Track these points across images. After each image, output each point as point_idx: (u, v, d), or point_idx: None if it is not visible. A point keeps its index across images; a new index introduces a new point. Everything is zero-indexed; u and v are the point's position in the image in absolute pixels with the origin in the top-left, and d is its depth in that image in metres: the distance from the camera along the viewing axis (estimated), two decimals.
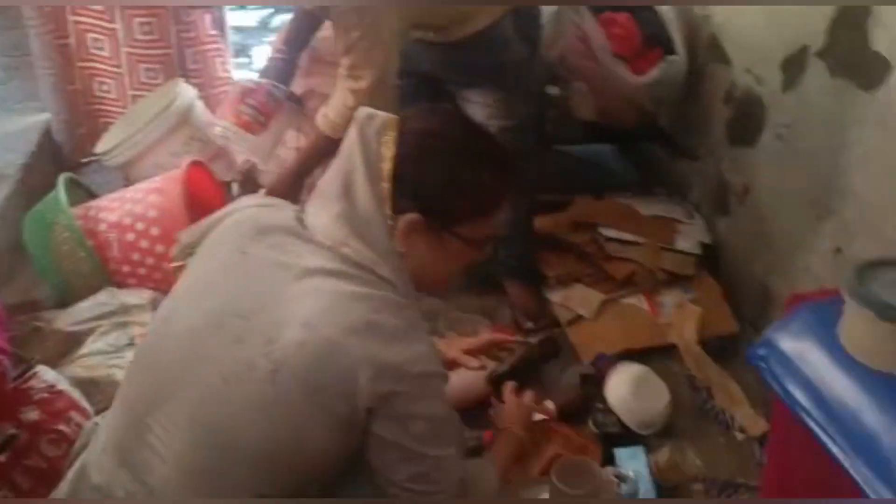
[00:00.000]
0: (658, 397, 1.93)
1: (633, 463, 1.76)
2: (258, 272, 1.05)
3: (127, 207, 1.98)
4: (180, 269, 1.19)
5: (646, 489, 1.70)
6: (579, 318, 2.19)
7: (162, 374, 1.06)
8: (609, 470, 1.71)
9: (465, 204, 1.08)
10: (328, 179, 1.10)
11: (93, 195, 2.20)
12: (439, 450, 1.04)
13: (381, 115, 1.07)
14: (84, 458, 1.12)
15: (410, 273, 1.09)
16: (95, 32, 2.56)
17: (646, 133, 2.54)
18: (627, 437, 1.86)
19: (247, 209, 1.16)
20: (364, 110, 1.07)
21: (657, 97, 2.34)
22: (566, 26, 2.29)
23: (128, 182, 2.28)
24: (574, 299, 2.22)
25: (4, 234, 2.17)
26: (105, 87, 2.65)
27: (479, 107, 1.96)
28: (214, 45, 2.73)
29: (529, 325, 2.19)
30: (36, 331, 1.87)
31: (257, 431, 0.99)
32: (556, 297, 2.25)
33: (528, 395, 1.55)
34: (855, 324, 0.91)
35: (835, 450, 0.86)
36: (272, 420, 0.99)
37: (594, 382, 1.99)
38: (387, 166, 1.04)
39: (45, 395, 1.58)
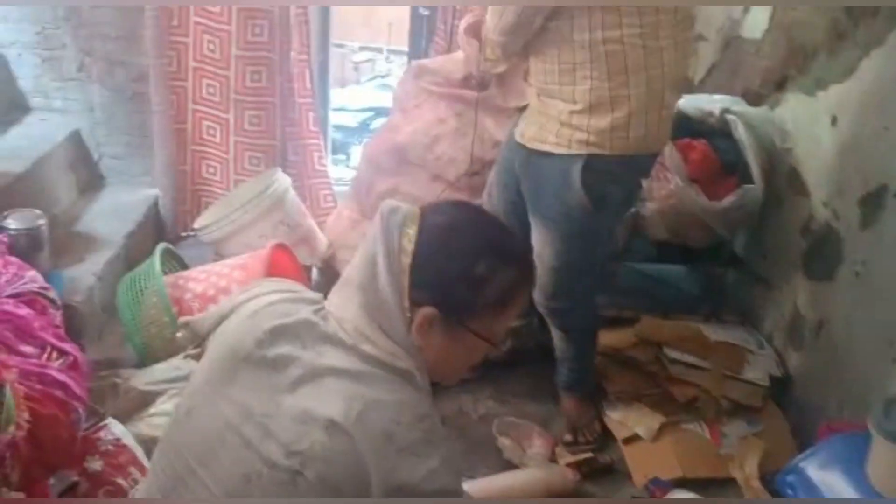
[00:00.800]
0: None
1: None
2: (278, 369, 1.04)
3: (212, 280, 2.11)
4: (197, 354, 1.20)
5: None
6: (637, 437, 2.15)
7: (183, 467, 1.06)
8: None
9: (482, 299, 1.07)
10: (353, 268, 1.10)
11: (185, 267, 2.36)
12: None
13: (405, 207, 1.08)
14: None
15: (426, 362, 1.08)
16: (210, 120, 2.81)
17: (720, 257, 2.53)
18: None
19: (265, 296, 1.14)
20: (388, 203, 1.09)
21: (732, 223, 2.35)
22: None
23: (218, 258, 2.44)
24: (633, 418, 2.19)
25: (101, 294, 2.34)
26: (212, 170, 2.88)
27: (536, 237, 1.94)
28: (314, 141, 2.93)
29: (568, 438, 2.16)
30: (113, 387, 1.98)
31: None
32: (615, 414, 2.22)
33: None
34: (880, 458, 0.89)
35: None
36: None
37: None
38: (407, 259, 1.05)
39: (111, 447, 1.67)
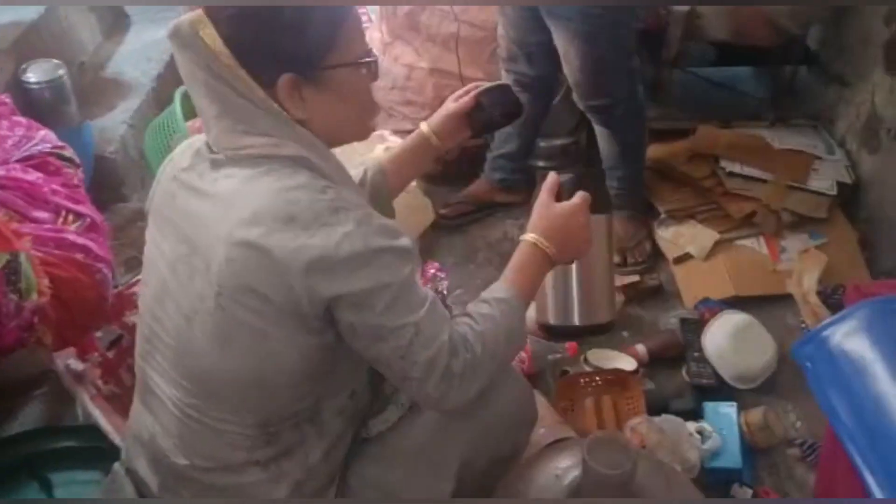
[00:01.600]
0: (761, 351, 1.78)
1: (721, 420, 1.66)
2: (186, 206, 1.04)
3: None
4: None
5: (731, 449, 1.60)
6: (688, 256, 2.05)
7: (147, 329, 1.10)
8: (691, 425, 1.63)
9: (315, 35, 0.99)
10: (197, 101, 1.02)
11: None
12: (411, 314, 0.98)
13: (183, 18, 0.99)
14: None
15: (325, 131, 1.04)
16: None
17: (789, 55, 2.25)
18: (722, 390, 1.75)
19: (177, 152, 1.12)
20: (168, 27, 0.99)
21: (803, 16, 2.05)
22: None
23: None
24: (685, 236, 2.08)
25: (136, 142, 2.32)
26: None
27: (557, 39, 1.84)
28: None
29: (616, 259, 2.07)
30: None
31: (228, 361, 1.00)
32: (665, 232, 2.11)
33: (577, 196, 1.19)
34: None
35: (871, 481, 0.73)
36: (236, 345, 0.99)
37: (694, 328, 1.87)
38: (228, 58, 0.97)
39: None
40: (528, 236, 1.15)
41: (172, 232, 1.05)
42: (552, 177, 1.21)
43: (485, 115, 1.31)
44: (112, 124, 2.29)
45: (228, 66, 0.97)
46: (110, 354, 1.63)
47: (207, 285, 0.98)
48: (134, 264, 1.98)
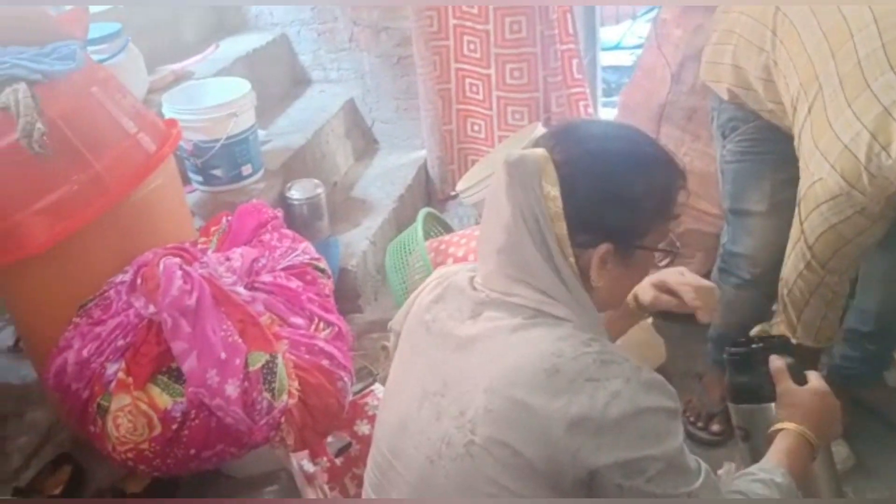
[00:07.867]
0: None
1: None
2: (442, 344, 1.02)
3: (472, 245, 2.09)
4: None
5: None
6: None
7: (382, 458, 1.08)
8: None
9: (648, 215, 0.98)
10: (488, 231, 1.01)
11: (449, 229, 2.37)
12: (686, 485, 0.90)
13: (530, 153, 0.96)
14: None
15: (606, 299, 1.02)
16: (473, 77, 2.77)
17: None
18: None
19: (432, 281, 1.13)
20: (509, 155, 0.96)
21: None
22: None
23: (480, 220, 2.41)
24: None
25: (374, 257, 2.45)
26: (476, 128, 2.86)
27: None
28: (579, 89, 2.77)
29: None
30: (382, 349, 2.07)
31: None
32: None
33: (812, 376, 1.19)
34: None
35: None
36: (479, 495, 0.94)
37: None
38: (556, 207, 0.94)
39: (377, 412, 1.72)
40: (790, 426, 1.11)
41: (424, 365, 1.04)
42: (778, 361, 1.19)
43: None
44: (356, 240, 2.45)
45: (554, 214, 0.95)
46: (338, 461, 1.67)
47: (457, 431, 0.95)
48: (364, 374, 2.04)
